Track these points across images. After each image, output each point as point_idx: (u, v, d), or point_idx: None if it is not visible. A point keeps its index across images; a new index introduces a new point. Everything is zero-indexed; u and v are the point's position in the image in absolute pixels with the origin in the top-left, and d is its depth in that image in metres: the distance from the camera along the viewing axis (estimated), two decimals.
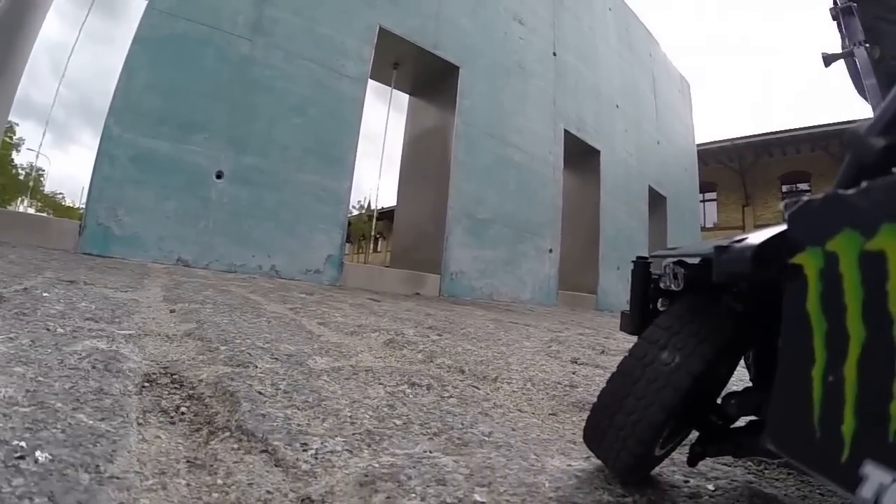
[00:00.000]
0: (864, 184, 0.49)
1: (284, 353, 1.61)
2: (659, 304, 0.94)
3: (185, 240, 6.26)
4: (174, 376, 1.20)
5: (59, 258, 4.66)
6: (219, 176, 6.59)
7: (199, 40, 6.72)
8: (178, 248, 6.21)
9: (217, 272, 6.09)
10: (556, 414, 1.37)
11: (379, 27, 8.26)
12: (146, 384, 1.12)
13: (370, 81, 9.19)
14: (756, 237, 0.64)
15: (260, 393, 1.08)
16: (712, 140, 25.35)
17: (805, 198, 0.58)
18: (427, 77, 9.87)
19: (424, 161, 9.86)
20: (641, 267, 0.96)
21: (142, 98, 6.28)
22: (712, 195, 28.19)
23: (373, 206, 36.53)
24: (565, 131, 11.33)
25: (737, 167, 26.47)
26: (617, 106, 13.46)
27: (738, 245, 0.64)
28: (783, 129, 23.86)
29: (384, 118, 10.89)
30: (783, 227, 0.61)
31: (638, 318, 0.95)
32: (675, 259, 0.89)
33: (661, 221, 15.38)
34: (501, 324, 4.17)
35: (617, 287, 12.53)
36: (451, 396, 1.27)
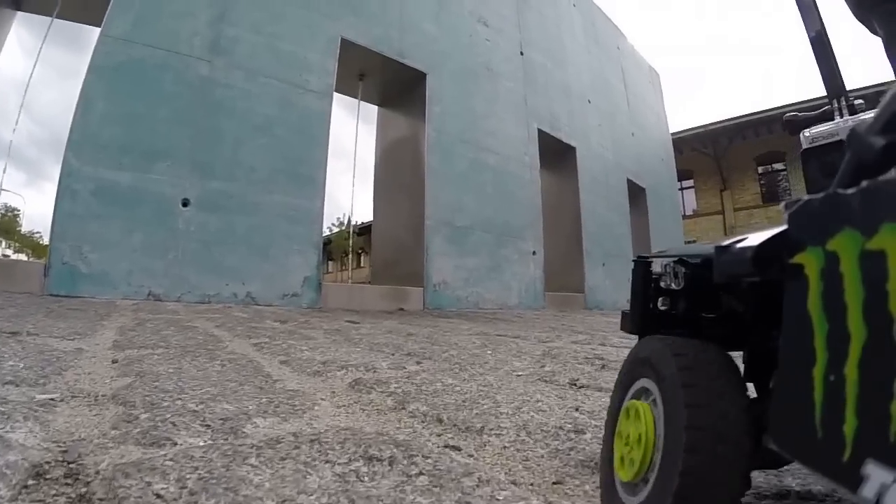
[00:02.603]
0: (864, 183, 0.48)
1: (220, 416, 1.38)
2: (659, 304, 0.92)
3: (154, 273, 6.03)
4: (71, 465, 0.97)
5: (20, 303, 4.40)
6: (185, 204, 6.37)
7: (156, 65, 6.51)
8: (148, 283, 5.98)
9: (189, 304, 5.87)
10: (562, 482, 1.08)
11: (341, 39, 8.09)
12: (31, 480, 0.90)
13: (337, 95, 9.06)
14: (756, 237, 0.63)
15: (158, 496, 0.85)
16: (686, 128, 25.50)
17: (805, 197, 0.57)
18: (394, 86, 9.71)
19: (398, 172, 9.70)
20: (642, 266, 0.95)
21: (100, 129, 6.05)
22: (689, 183, 28.30)
23: (351, 222, 36.29)
24: (539, 130, 11.24)
25: (711, 153, 26.55)
26: (589, 101, 13.41)
27: (738, 245, 0.65)
28: (754, 110, 24.08)
29: (355, 135, 10.72)
30: (783, 226, 0.60)
31: (639, 318, 0.94)
32: (675, 258, 0.88)
33: (642, 213, 15.35)
34: (488, 339, 4.00)
35: (605, 283, 12.45)
36: (420, 474, 0.99)
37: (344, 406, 1.65)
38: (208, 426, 1.31)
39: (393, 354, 2.87)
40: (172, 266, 6.14)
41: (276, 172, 7.04)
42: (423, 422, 1.49)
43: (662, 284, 0.91)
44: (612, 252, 13.14)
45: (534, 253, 10.51)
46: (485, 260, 9.39)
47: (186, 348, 2.62)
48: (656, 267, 0.94)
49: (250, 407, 1.51)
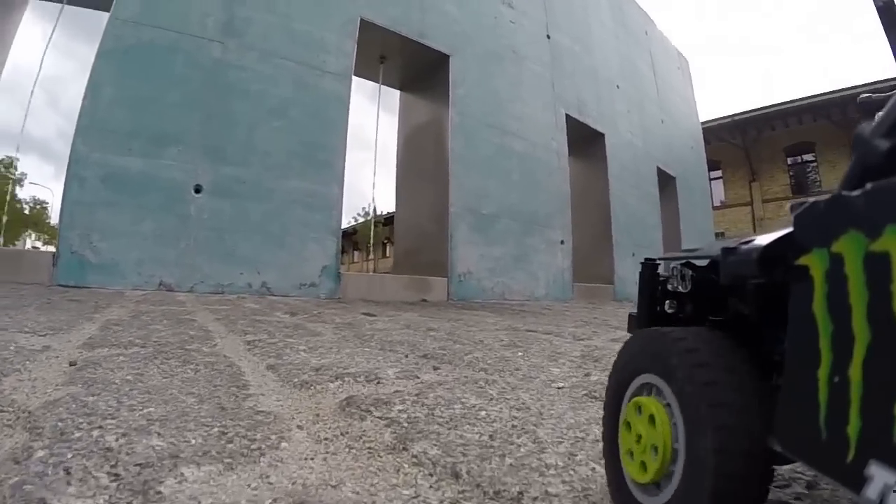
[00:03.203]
0: (868, 185, 0.49)
1: (139, 458, 0.92)
2: (667, 306, 0.90)
3: (165, 262, 5.70)
4: None
5: (21, 294, 4.12)
6: (197, 190, 6.01)
7: (166, 47, 6.17)
8: (159, 272, 5.64)
9: (202, 295, 5.50)
10: None
11: (360, 19, 7.65)
12: None
13: (358, 80, 8.63)
14: (762, 239, 0.64)
15: None
16: (713, 117, 24.59)
17: (811, 199, 0.57)
18: (416, 69, 9.24)
19: (421, 158, 9.23)
20: (649, 269, 0.93)
21: (109, 114, 5.75)
22: (717, 173, 27.31)
23: (376, 211, 35.96)
24: (566, 116, 10.66)
25: (740, 143, 25.61)
26: (617, 86, 12.77)
27: (744, 247, 0.66)
28: (784, 100, 23.14)
29: (376, 119, 10.24)
30: (789, 228, 0.60)
31: (646, 321, 0.92)
32: (682, 261, 0.87)
33: (672, 203, 14.66)
34: (517, 336, 3.49)
35: (634, 275, 11.70)
36: None
37: (325, 441, 1.15)
38: (116, 476, 0.85)
39: (406, 356, 2.39)
40: (184, 255, 5.80)
41: (291, 157, 6.63)
42: (430, 475, 0.96)
43: (669, 287, 0.90)
44: (641, 243, 12.52)
45: (562, 242, 9.97)
46: (511, 249, 8.87)
47: (163, 347, 2.21)
48: (663, 269, 0.92)
49: (191, 442, 1.03)
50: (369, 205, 41.11)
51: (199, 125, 6.15)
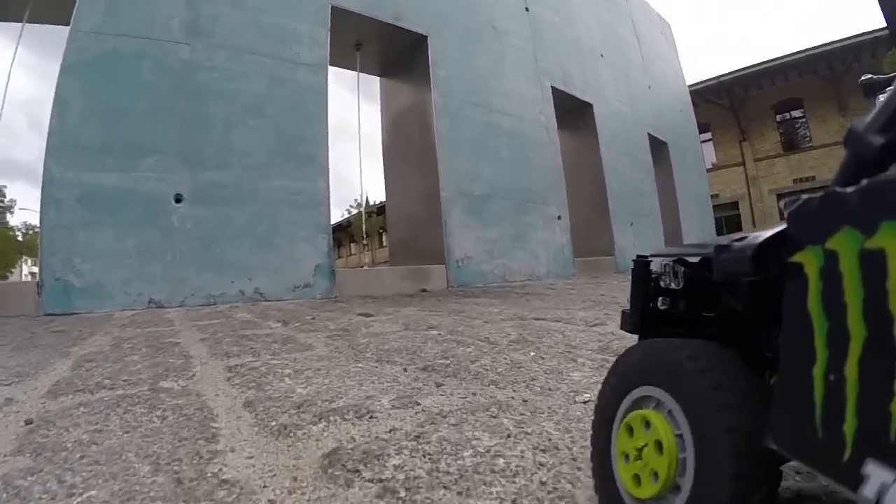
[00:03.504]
0: (863, 182, 0.48)
1: None
2: (659, 303, 0.90)
3: (152, 279, 5.44)
4: None
5: (1, 331, 3.89)
6: (178, 200, 5.73)
7: (132, 55, 5.87)
8: (147, 290, 5.39)
9: (193, 308, 5.25)
10: None
11: (331, 6, 7.31)
12: None
13: (336, 70, 8.34)
14: (756, 236, 0.63)
15: None
16: (699, 80, 24.19)
17: (804, 196, 0.56)
18: (394, 53, 8.90)
19: (407, 144, 8.92)
20: (641, 265, 0.92)
21: (79, 130, 5.47)
22: (707, 136, 26.86)
23: (369, 202, 35.56)
24: (552, 88, 10.33)
25: (728, 104, 25.20)
26: (601, 55, 12.42)
27: (738, 244, 0.65)
28: (769, 58, 22.75)
29: (357, 108, 9.93)
30: (783, 225, 0.59)
31: (639, 318, 0.91)
32: (675, 258, 0.86)
33: (666, 168, 14.37)
34: (526, 327, 3.21)
35: (634, 244, 11.55)
36: None
37: None
38: None
39: (405, 371, 2.12)
40: (171, 269, 5.53)
41: (272, 155, 6.34)
42: None
43: (662, 284, 0.89)
44: (639, 211, 12.26)
45: (559, 217, 9.69)
46: (508, 229, 8.59)
47: (133, 388, 1.96)
48: (656, 266, 0.91)
49: None
50: (361, 196, 40.54)
51: (173, 132, 5.86)
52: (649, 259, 0.93)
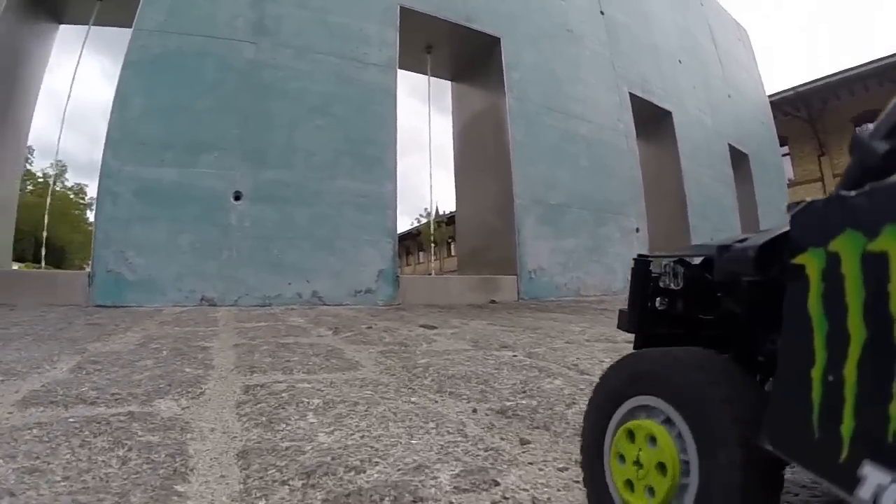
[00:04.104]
0: (867, 186, 0.48)
1: None
2: (658, 303, 0.86)
3: (206, 276, 5.13)
4: None
5: (37, 317, 3.69)
6: (237, 197, 5.40)
7: (195, 53, 5.66)
8: (201, 287, 5.08)
9: (246, 309, 4.86)
10: None
11: (399, 6, 6.88)
12: None
13: (406, 74, 7.88)
14: (758, 237, 0.63)
15: None
16: (775, 91, 22.66)
17: (808, 199, 0.56)
18: (466, 56, 8.35)
19: (480, 149, 8.29)
20: (641, 266, 0.88)
21: (139, 126, 5.29)
22: (784, 150, 25.24)
23: (439, 211, 35.21)
24: (630, 95, 9.53)
25: (806, 116, 23.43)
26: (679, 61, 11.51)
27: (740, 245, 0.64)
28: (847, 67, 21.03)
29: (428, 112, 9.44)
30: (785, 227, 0.59)
31: (637, 317, 0.87)
32: (675, 258, 0.85)
33: (746, 182, 13.16)
34: (619, 350, 2.48)
35: None
36: None
37: None
38: None
39: (474, 412, 1.48)
40: (226, 267, 5.20)
41: (338, 155, 5.91)
42: None
43: (661, 284, 0.86)
44: (719, 226, 11.19)
45: (637, 230, 8.85)
46: (584, 241, 7.83)
47: (116, 406, 1.50)
48: (655, 267, 0.88)
49: None
50: (431, 205, 40.29)
51: (235, 129, 5.57)
52: (649, 259, 0.88)
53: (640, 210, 9.01)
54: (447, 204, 38.79)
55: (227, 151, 5.44)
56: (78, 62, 7.61)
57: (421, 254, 45.40)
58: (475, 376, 1.96)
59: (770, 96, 20.44)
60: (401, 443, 1.20)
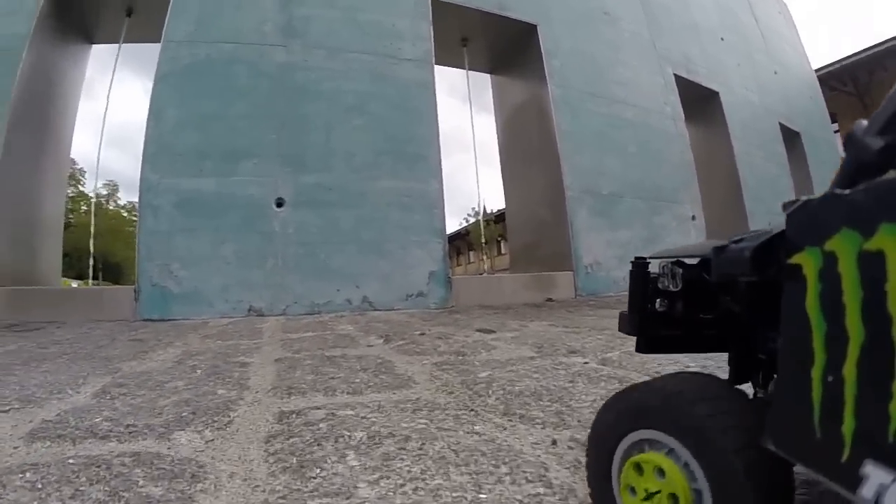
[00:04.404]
0: (862, 184, 0.48)
1: None
2: (657, 305, 0.86)
3: (252, 285, 4.93)
4: None
5: (80, 334, 3.65)
6: (279, 204, 5.18)
7: (226, 60, 5.52)
8: (247, 297, 4.90)
9: (294, 317, 4.66)
10: None
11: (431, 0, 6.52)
12: None
13: (443, 70, 7.58)
14: (754, 238, 0.63)
15: None
16: (818, 66, 21.61)
17: (803, 198, 0.55)
18: (503, 46, 7.97)
19: (525, 142, 7.89)
20: (640, 267, 0.88)
21: (175, 137, 5.16)
22: (833, 126, 24.09)
23: (483, 207, 34.76)
24: (675, 76, 8.99)
25: (853, 90, 22.29)
26: (721, 39, 10.89)
27: (736, 246, 0.64)
28: (893, 35, 19.84)
29: (471, 112, 9.10)
30: (781, 227, 0.59)
31: (637, 319, 0.87)
32: (673, 259, 0.85)
33: (800, 161, 12.40)
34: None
35: None
36: None
37: None
38: None
39: (553, 445, 1.21)
40: (272, 275, 4.99)
41: (379, 155, 5.62)
42: None
43: (660, 286, 0.86)
44: (775, 209, 10.24)
45: (693, 218, 8.28)
46: (639, 231, 7.33)
47: (125, 443, 1.26)
48: (654, 268, 0.89)
49: None
50: (478, 204, 39.77)
51: (272, 134, 5.36)
52: (648, 261, 0.88)
53: (694, 196, 8.45)
54: (494, 202, 38.39)
55: (266, 157, 5.24)
56: (111, 81, 7.52)
57: (471, 253, 44.83)
58: (546, 392, 1.65)
59: (816, 70, 19.47)
60: (465, 499, 0.87)
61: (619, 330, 0.92)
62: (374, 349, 2.72)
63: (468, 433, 1.25)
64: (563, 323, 3.76)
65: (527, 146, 7.78)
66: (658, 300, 0.86)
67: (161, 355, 2.66)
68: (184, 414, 1.47)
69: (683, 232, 8.00)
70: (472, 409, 1.48)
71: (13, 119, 5.27)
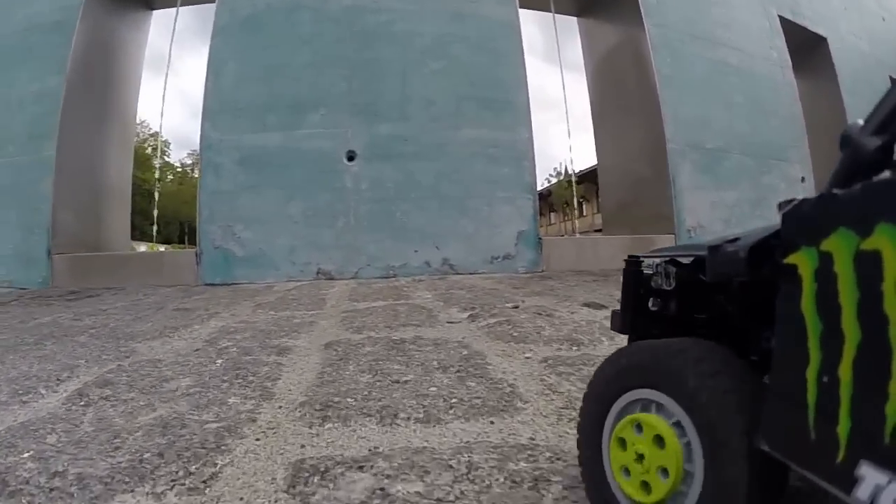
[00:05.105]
0: (859, 183, 0.46)
1: None
2: (650, 304, 0.82)
3: (322, 246, 4.43)
4: None
5: (129, 302, 3.23)
6: (350, 158, 4.61)
7: (287, 7, 4.97)
8: (316, 258, 4.40)
9: (367, 281, 4.13)
10: None
11: None
12: None
13: (525, 27, 6.75)
14: (749, 237, 0.61)
15: None
16: None
17: (799, 198, 0.53)
18: None
19: (619, 90, 6.98)
20: (633, 266, 0.85)
21: (236, 92, 4.69)
22: None
23: (565, 168, 33.54)
24: (780, 18, 7.79)
25: None
26: None
27: (731, 245, 0.62)
28: None
29: (559, 56, 8.29)
30: (777, 226, 0.56)
31: (630, 318, 0.85)
32: (667, 258, 0.79)
33: None
34: None
35: None
36: None
37: None
38: None
39: None
40: (343, 235, 4.46)
41: (461, 101, 4.95)
42: None
43: (654, 284, 0.82)
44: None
45: (802, 180, 7.20)
46: (746, 192, 6.36)
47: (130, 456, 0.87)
48: (648, 267, 0.83)
49: None
50: (561, 164, 38.33)
51: (342, 83, 4.78)
52: (641, 259, 0.84)
53: (803, 155, 7.34)
54: (578, 162, 37.01)
55: (335, 108, 4.67)
56: (171, 45, 7.04)
57: (552, 214, 43.78)
58: None
59: None
60: None
61: (611, 328, 0.88)
62: (457, 330, 2.09)
63: None
64: None
65: (622, 94, 6.86)
66: (651, 299, 0.81)
67: (194, 332, 2.19)
68: (150, 454, 0.92)
69: (793, 195, 6.83)
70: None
71: (71, 88, 4.96)
